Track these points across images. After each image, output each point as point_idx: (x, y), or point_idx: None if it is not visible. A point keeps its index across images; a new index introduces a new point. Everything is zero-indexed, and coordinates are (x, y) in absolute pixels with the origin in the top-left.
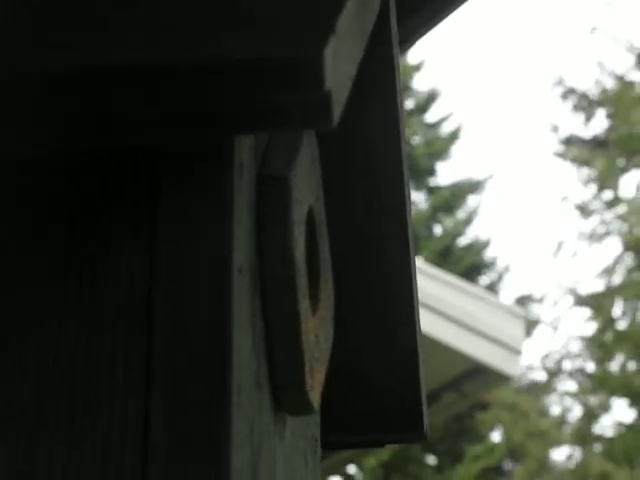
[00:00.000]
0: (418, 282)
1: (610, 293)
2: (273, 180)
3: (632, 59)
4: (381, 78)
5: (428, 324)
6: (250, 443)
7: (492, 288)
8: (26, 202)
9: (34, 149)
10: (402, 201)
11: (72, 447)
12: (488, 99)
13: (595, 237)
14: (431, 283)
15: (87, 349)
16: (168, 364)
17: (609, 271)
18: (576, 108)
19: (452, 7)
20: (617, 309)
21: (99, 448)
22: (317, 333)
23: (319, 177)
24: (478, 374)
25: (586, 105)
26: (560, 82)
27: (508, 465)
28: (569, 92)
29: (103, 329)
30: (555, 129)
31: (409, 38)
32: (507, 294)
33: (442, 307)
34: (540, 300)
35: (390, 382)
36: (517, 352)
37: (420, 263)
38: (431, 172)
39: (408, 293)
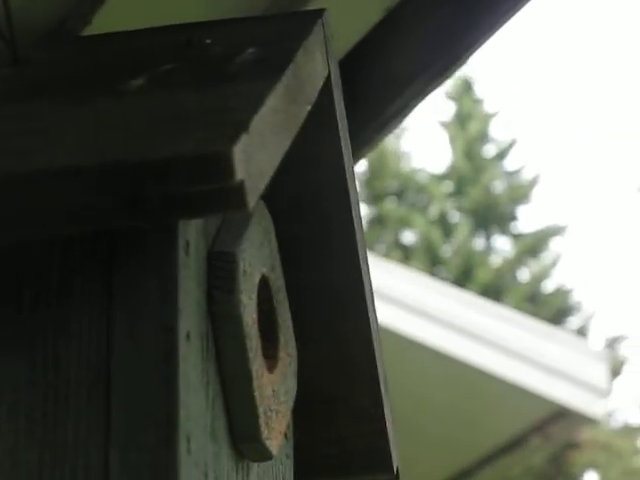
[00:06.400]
0: (499, 327)
1: None
2: (221, 255)
3: None
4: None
5: (511, 370)
6: None
7: (581, 331)
8: None
9: None
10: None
11: None
12: (566, 143)
13: None
14: (513, 328)
15: (54, 409)
16: (125, 420)
17: None
18: None
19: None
20: None
21: None
22: (274, 388)
23: (274, 249)
24: (563, 417)
25: None
26: None
27: None
28: None
29: (68, 392)
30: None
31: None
32: (596, 336)
33: (526, 352)
34: (630, 340)
35: (358, 425)
36: (602, 394)
37: (502, 309)
38: (513, 217)
39: (366, 335)
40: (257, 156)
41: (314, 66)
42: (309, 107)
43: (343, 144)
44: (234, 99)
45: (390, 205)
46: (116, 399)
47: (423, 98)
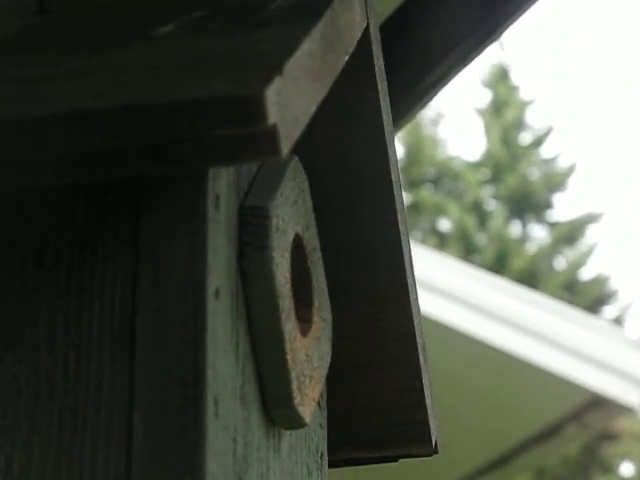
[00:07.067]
0: (536, 314)
1: None
2: (253, 210)
3: None
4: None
5: (547, 357)
6: (233, 452)
7: (618, 320)
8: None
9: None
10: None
11: (62, 456)
12: (603, 130)
13: None
14: (549, 317)
15: (76, 368)
16: (149, 380)
17: None
18: None
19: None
20: None
21: (87, 458)
22: (308, 352)
23: (309, 208)
24: (599, 406)
25: None
26: None
27: None
28: None
29: (91, 352)
30: None
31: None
32: (633, 325)
33: (562, 340)
34: None
35: (395, 397)
36: (638, 383)
37: (539, 296)
38: (549, 205)
39: (404, 301)
40: (291, 101)
41: (352, 15)
42: (347, 57)
43: (382, 102)
44: (268, 44)
45: (426, 192)
46: (140, 358)
47: (463, 67)
